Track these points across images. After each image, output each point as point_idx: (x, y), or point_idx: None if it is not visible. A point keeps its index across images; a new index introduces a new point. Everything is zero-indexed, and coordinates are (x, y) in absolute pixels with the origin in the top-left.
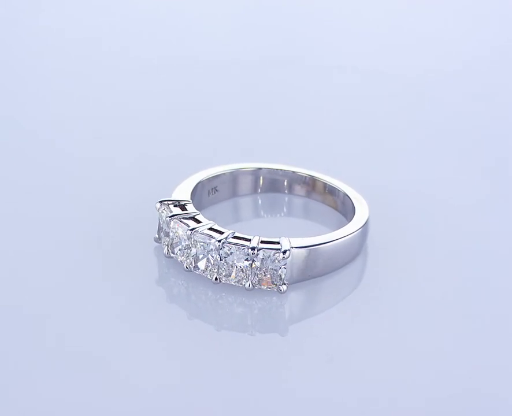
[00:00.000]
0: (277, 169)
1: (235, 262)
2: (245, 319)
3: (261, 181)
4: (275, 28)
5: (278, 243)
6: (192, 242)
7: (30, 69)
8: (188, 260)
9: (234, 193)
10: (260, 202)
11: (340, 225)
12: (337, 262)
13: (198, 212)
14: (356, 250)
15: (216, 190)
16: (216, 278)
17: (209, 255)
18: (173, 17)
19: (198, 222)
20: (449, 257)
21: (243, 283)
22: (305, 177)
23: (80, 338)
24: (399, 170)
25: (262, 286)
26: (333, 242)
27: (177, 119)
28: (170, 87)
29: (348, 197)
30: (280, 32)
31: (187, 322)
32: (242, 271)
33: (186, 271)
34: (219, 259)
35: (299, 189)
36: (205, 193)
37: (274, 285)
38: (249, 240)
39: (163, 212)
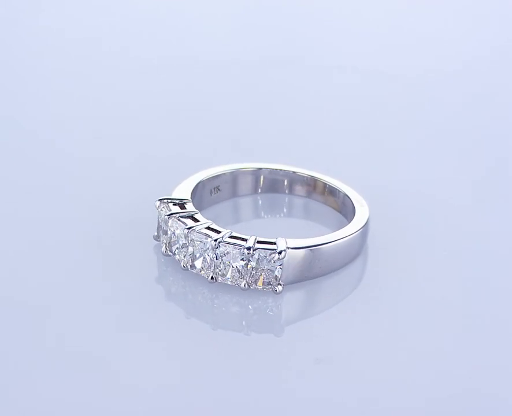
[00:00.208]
0: (277, 169)
1: (231, 261)
2: (241, 318)
3: (261, 181)
4: (275, 28)
5: (275, 244)
6: (189, 241)
7: (30, 69)
8: (185, 259)
9: (234, 193)
10: (260, 202)
11: (340, 226)
12: (336, 263)
13: (197, 211)
14: (356, 251)
15: (219, 189)
16: (212, 277)
17: (205, 254)
18: (173, 17)
19: (196, 221)
20: (449, 257)
21: (239, 283)
22: (306, 177)
23: (79, 338)
24: (399, 170)
25: (258, 286)
26: (333, 243)
27: (177, 119)
28: (170, 87)
29: (348, 197)
30: (280, 32)
31: (184, 321)
32: (238, 271)
33: (183, 270)
34: (215, 258)
35: (299, 189)
36: (206, 192)
37: (270, 286)
38: (245, 240)
39: (162, 211)
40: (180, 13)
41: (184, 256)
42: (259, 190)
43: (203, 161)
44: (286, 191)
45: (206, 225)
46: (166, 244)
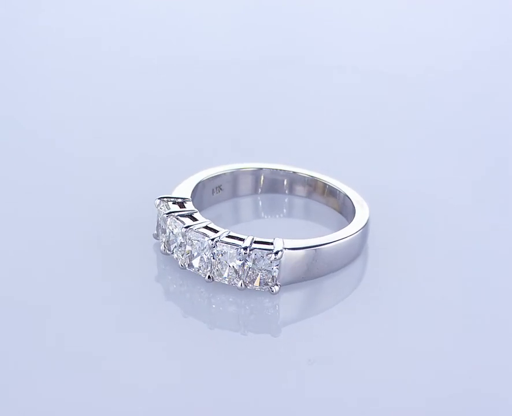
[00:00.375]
0: (277, 169)
1: (228, 261)
2: (238, 318)
3: (262, 181)
4: (275, 28)
5: (272, 244)
6: (187, 240)
7: (30, 69)
8: (183, 258)
9: (234, 194)
10: (260, 202)
11: (341, 226)
12: (336, 264)
13: (196, 210)
14: (356, 251)
15: (221, 188)
16: (209, 277)
17: (203, 253)
18: (173, 17)
19: (195, 220)
20: (449, 257)
21: (235, 282)
22: (306, 177)
23: (79, 338)
24: (399, 170)
25: (255, 286)
26: (333, 243)
27: (177, 119)
28: (170, 87)
29: (349, 198)
30: (280, 32)
31: (182, 321)
32: (235, 271)
33: (181, 268)
34: (212, 257)
35: (299, 189)
36: (207, 192)
37: (267, 286)
38: (242, 240)
39: (161, 209)
40: (180, 12)
41: (182, 255)
42: (259, 191)
43: (203, 161)
44: (286, 191)
45: (204, 224)
46: (164, 242)
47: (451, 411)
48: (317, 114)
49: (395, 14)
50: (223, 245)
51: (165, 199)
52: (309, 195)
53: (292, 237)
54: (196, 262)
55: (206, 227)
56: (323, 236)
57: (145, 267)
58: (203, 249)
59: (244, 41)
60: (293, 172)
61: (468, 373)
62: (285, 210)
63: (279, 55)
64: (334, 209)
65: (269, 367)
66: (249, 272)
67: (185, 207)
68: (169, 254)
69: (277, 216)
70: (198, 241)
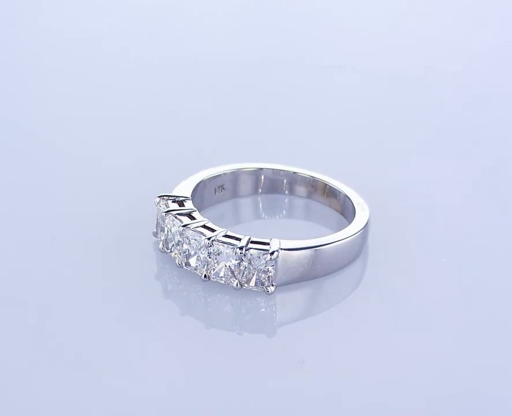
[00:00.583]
0: (278, 170)
1: (224, 260)
2: (234, 318)
3: (262, 181)
4: (275, 28)
5: (268, 244)
6: (184, 239)
7: (30, 69)
8: (180, 257)
9: (235, 194)
10: (260, 202)
11: (341, 227)
12: (336, 264)
13: (195, 209)
14: (356, 252)
15: (223, 188)
16: (205, 276)
17: (199, 252)
18: (173, 17)
19: (193, 219)
20: (449, 257)
21: (231, 282)
22: (307, 177)
23: (79, 338)
24: (399, 170)
25: (250, 286)
26: (333, 244)
27: (177, 119)
28: (170, 87)
29: (349, 198)
30: (280, 32)
31: (178, 320)
32: (231, 270)
33: (178, 267)
34: (208, 256)
35: (299, 190)
36: (209, 191)
37: (263, 286)
38: (239, 240)
39: (160, 207)
40: (180, 12)
41: (180, 254)
42: (260, 191)
43: (203, 161)
44: (287, 192)
45: (202, 223)
46: (163, 241)
47: (451, 411)
48: (317, 114)
49: (395, 14)
50: (219, 245)
51: (165, 197)
52: (309, 195)
53: (291, 237)
54: (193, 261)
55: (204, 226)
56: (323, 236)
57: (145, 266)
58: (200, 248)
59: (244, 41)
60: (294, 172)
61: (468, 373)
62: (285, 211)
63: (279, 55)
64: (335, 209)
65: (264, 367)
66: (246, 272)
67: (184, 206)
68: (167, 252)
69: (277, 216)
70: (195, 240)
